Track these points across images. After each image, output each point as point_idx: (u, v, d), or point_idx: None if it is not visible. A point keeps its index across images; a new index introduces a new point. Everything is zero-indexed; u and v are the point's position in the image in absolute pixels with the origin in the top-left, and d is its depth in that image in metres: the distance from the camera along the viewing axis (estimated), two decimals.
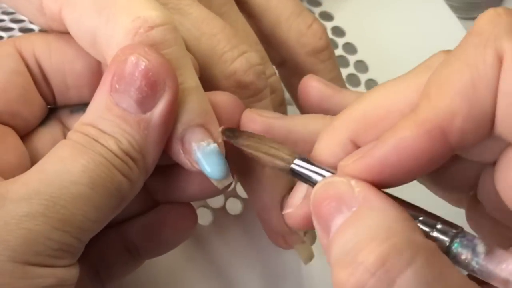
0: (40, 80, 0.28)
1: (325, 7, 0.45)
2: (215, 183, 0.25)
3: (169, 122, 0.24)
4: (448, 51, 0.23)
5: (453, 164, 0.23)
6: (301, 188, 0.25)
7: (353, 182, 0.21)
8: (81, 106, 0.28)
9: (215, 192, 0.28)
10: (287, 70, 0.34)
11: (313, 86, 0.28)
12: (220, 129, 0.25)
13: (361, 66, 0.43)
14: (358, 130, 0.23)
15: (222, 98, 0.27)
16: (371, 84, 0.43)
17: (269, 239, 0.31)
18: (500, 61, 0.21)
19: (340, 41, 0.44)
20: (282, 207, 0.30)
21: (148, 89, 0.24)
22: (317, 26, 0.34)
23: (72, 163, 0.23)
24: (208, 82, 0.29)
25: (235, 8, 0.32)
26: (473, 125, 0.21)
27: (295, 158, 0.24)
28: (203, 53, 0.29)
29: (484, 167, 0.24)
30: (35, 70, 0.27)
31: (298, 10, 0.34)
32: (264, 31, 0.33)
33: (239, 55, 0.29)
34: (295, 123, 0.27)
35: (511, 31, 0.21)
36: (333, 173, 0.23)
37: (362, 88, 0.42)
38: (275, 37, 0.34)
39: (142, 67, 0.23)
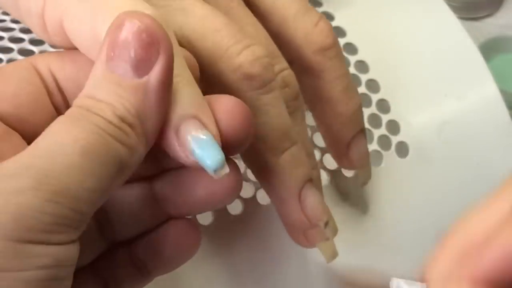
0: (54, 90, 0.28)
1: (326, 7, 0.45)
2: (211, 174, 0.25)
3: (167, 86, 0.24)
4: None
5: None
6: None
7: None
8: None
9: (225, 198, 0.27)
10: (295, 69, 0.34)
11: None
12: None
13: (362, 66, 0.43)
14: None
15: (224, 101, 0.27)
16: (371, 84, 0.43)
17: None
18: None
19: (341, 41, 0.44)
20: (300, 199, 0.29)
21: (143, 51, 0.24)
22: (324, 24, 0.34)
23: (64, 135, 0.23)
24: (215, 77, 0.30)
25: (243, 4, 0.33)
26: None
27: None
28: (208, 50, 0.30)
29: None
30: (49, 81, 0.28)
31: (304, 9, 0.34)
32: (270, 31, 0.33)
33: (243, 48, 0.29)
34: None
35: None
36: None
37: (362, 88, 0.42)
38: (282, 36, 0.34)
39: (135, 29, 0.24)
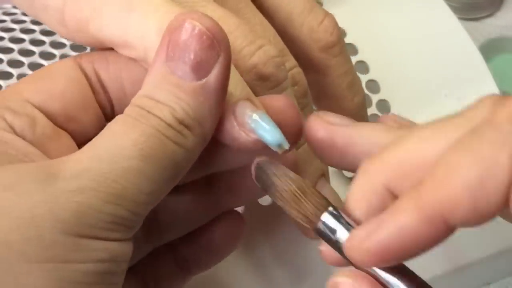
0: (98, 89, 0.28)
1: (326, 7, 0.44)
2: (274, 149, 0.25)
3: (225, 87, 0.25)
4: (495, 99, 0.22)
5: None
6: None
7: (357, 285, 0.23)
8: None
9: None
10: (300, 67, 0.34)
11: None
12: (254, 163, 0.25)
13: (362, 67, 0.43)
14: (393, 178, 0.23)
15: (277, 102, 0.27)
16: (371, 85, 0.43)
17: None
18: None
19: None
20: None
21: (203, 53, 0.24)
22: (328, 22, 0.34)
23: (122, 138, 0.23)
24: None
25: (251, 4, 0.33)
26: (476, 217, 0.21)
27: (322, 212, 0.24)
28: None
29: None
30: (94, 79, 0.28)
31: (310, 6, 0.34)
32: (276, 28, 0.33)
33: (256, 49, 0.29)
34: (358, 134, 0.26)
35: None
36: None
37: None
38: (288, 34, 0.34)
39: (196, 31, 0.24)
